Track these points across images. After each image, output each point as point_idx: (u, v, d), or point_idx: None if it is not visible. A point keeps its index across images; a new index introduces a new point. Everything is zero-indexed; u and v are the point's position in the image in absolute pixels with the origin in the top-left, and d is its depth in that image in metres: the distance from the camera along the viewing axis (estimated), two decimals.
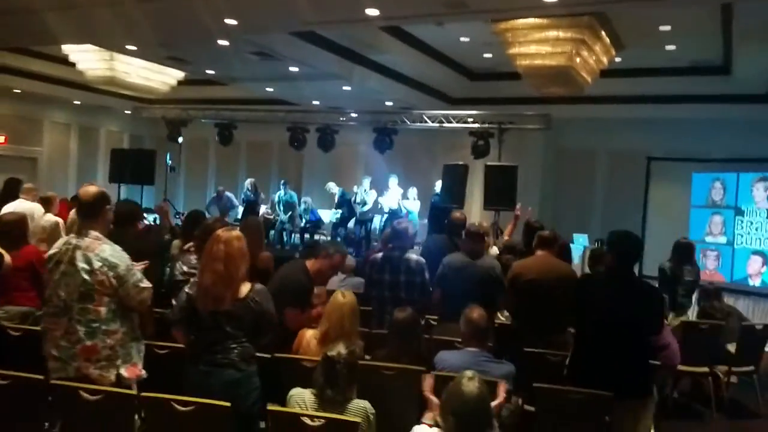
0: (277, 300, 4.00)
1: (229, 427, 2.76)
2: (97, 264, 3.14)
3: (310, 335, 3.76)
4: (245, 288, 3.20)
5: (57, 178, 14.98)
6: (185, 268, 4.52)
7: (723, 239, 8.74)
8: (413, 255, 5.03)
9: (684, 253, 6.38)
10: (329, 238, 11.81)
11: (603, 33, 8.70)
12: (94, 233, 3.22)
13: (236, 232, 3.36)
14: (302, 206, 12.62)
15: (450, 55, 11.29)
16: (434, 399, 3.09)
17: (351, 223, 12.24)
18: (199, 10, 7.08)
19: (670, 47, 9.53)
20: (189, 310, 3.21)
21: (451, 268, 4.96)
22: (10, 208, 6.43)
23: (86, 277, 3.12)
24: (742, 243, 8.80)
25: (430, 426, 2.64)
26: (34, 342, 3.47)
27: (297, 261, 4.59)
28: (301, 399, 2.92)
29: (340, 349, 2.94)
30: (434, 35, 9.88)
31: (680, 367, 5.74)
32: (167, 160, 12.89)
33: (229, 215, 12.08)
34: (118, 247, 3.27)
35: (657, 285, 6.54)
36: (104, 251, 3.18)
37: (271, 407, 2.85)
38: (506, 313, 5.30)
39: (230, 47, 9.36)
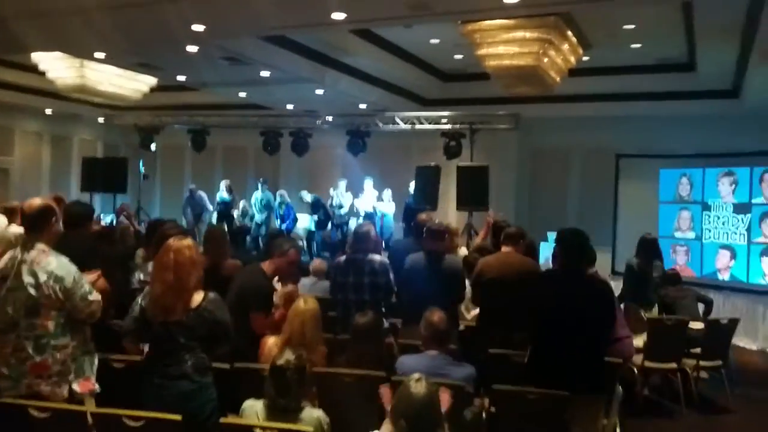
0: (239, 306, 4.02)
1: None
2: (43, 278, 3.09)
3: (272, 343, 3.76)
4: (198, 297, 3.17)
5: (30, 189, 14.68)
6: (143, 277, 4.49)
7: (691, 234, 8.84)
8: (377, 256, 5.03)
9: (650, 248, 6.44)
10: (303, 242, 11.83)
11: (569, 33, 8.80)
12: (40, 246, 3.17)
13: (187, 241, 3.30)
14: (278, 199, 12.54)
15: (421, 57, 11.33)
16: None
17: (328, 227, 12.23)
18: (167, 17, 7.05)
19: (636, 45, 9.65)
20: (141, 321, 3.18)
21: (413, 268, 4.97)
22: None
23: (32, 291, 3.07)
24: (709, 237, 8.91)
25: None
26: None
27: (254, 265, 4.56)
28: (254, 411, 2.90)
29: (287, 356, 2.93)
30: (404, 37, 9.91)
31: (648, 364, 5.83)
32: (140, 168, 12.80)
33: (203, 218, 12.01)
34: (65, 259, 3.22)
35: (623, 282, 6.63)
36: (50, 264, 3.13)
37: (224, 420, 2.83)
38: (472, 314, 5.32)
39: (199, 53, 9.28)
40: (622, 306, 6.73)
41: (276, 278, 4.56)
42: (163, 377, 3.09)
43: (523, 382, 3.72)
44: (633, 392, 5.81)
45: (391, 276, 4.89)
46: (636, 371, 5.83)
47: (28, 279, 3.08)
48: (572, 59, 9.52)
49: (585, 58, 9.83)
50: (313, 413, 2.88)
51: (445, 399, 3.20)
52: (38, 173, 16.00)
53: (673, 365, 5.85)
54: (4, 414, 2.92)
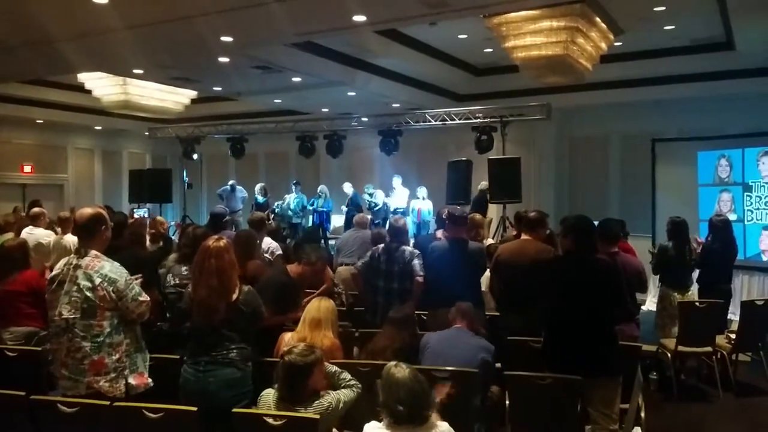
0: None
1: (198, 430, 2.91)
2: (97, 280, 3.27)
3: (288, 338, 3.89)
4: (234, 293, 3.40)
5: (84, 203, 15.37)
6: (177, 281, 4.66)
7: (733, 216, 8.55)
8: (408, 247, 5.30)
9: (682, 230, 6.30)
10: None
11: (597, 19, 8.68)
12: (92, 252, 3.36)
13: (223, 243, 3.49)
14: (320, 198, 12.75)
15: (451, 53, 11.35)
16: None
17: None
18: (197, 30, 7.29)
19: (669, 27, 9.45)
20: (185, 321, 3.47)
21: (438, 256, 5.09)
22: (24, 234, 6.71)
23: (89, 293, 3.26)
24: (752, 219, 8.62)
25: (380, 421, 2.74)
26: (32, 362, 3.68)
27: (281, 266, 4.76)
28: (267, 399, 3.05)
29: (294, 348, 3.06)
30: (432, 35, 9.97)
31: (682, 348, 5.74)
32: (184, 178, 13.22)
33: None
34: (116, 263, 3.42)
35: (657, 266, 6.49)
36: (104, 268, 3.32)
37: (235, 410, 2.98)
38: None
39: (231, 63, 9.58)
40: (658, 292, 6.65)
41: None
42: (209, 364, 3.30)
43: (540, 368, 3.77)
44: (667, 376, 5.74)
45: (418, 261, 5.08)
46: (669, 356, 5.76)
47: (84, 282, 3.27)
48: (603, 45, 9.38)
49: (617, 44, 9.69)
50: (321, 403, 2.97)
51: (441, 391, 3.29)
52: (91, 187, 16.76)
53: (708, 349, 5.74)
54: (37, 409, 3.13)
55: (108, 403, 3.06)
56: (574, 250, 3.75)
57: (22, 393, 3.09)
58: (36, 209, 7.14)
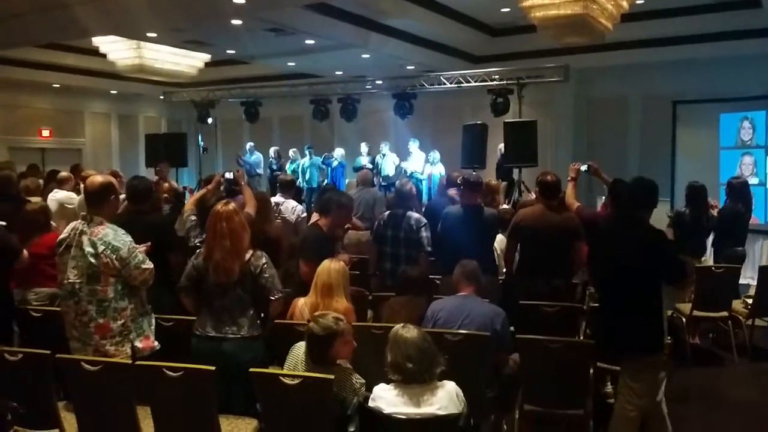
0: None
1: (214, 390, 2.97)
2: (101, 248, 3.35)
3: (302, 303, 3.90)
4: (247, 255, 3.49)
5: (102, 166, 15.47)
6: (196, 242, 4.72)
7: (755, 180, 8.43)
8: (415, 214, 5.20)
9: (700, 196, 6.22)
10: None
11: None
12: (98, 219, 3.44)
13: (232, 206, 3.57)
14: (335, 160, 12.77)
15: (467, 13, 11.12)
16: None
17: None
18: None
19: None
20: (195, 278, 3.52)
21: (452, 221, 5.06)
22: (49, 197, 6.85)
23: (93, 260, 3.35)
24: None
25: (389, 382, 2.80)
26: (54, 322, 3.78)
27: (312, 224, 4.85)
28: (299, 351, 3.13)
29: (320, 317, 3.09)
30: None
31: (697, 313, 5.73)
32: (199, 142, 13.25)
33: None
34: (121, 231, 3.48)
35: (672, 230, 6.43)
36: (107, 235, 3.40)
37: (252, 369, 3.03)
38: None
39: (244, 26, 9.50)
40: None
41: None
42: (220, 331, 3.41)
43: (556, 333, 3.72)
44: (681, 341, 5.75)
45: (425, 233, 4.99)
46: (684, 320, 5.76)
47: (88, 249, 3.36)
48: (625, 4, 9.12)
49: (639, 2, 9.43)
50: (345, 373, 3.01)
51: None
52: (108, 151, 16.88)
53: (724, 314, 5.72)
54: (62, 367, 3.21)
55: (130, 362, 3.13)
56: (625, 215, 3.63)
57: (48, 351, 3.18)
58: (63, 173, 7.29)
